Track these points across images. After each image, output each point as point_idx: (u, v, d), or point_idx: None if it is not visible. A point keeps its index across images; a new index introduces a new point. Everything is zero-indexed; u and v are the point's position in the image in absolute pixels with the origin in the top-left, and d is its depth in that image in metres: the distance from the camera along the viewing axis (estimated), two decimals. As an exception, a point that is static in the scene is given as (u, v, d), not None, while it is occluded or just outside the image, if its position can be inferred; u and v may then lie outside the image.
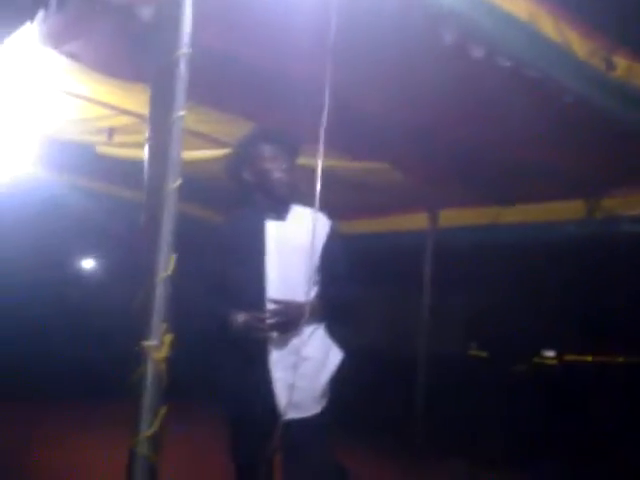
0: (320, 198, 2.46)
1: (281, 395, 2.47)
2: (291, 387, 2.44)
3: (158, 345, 1.77)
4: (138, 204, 1.95)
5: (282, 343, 2.51)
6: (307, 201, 2.55)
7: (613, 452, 5.31)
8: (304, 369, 2.48)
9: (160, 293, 1.79)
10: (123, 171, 4.54)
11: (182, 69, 1.86)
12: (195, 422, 5.40)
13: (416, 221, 5.88)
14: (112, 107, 3.87)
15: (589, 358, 8.60)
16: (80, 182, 5.62)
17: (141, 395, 1.75)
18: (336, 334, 2.71)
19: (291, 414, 2.45)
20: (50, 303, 6.97)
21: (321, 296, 2.63)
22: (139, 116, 3.75)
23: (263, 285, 2.54)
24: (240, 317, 2.51)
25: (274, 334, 2.51)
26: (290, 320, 2.50)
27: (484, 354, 9.23)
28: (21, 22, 2.39)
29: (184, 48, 1.85)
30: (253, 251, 2.58)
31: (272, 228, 2.61)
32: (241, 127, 4.02)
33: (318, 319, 2.61)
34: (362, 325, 5.94)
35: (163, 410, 1.77)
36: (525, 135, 3.43)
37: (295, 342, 2.51)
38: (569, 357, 8.90)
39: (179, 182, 1.83)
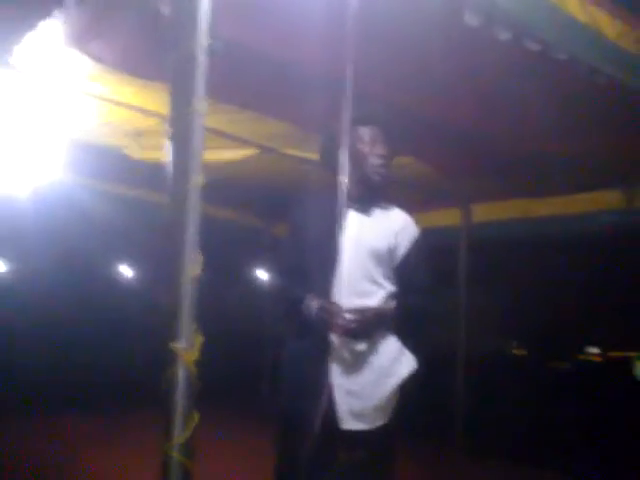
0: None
1: (341, 402, 2.31)
2: (351, 394, 2.31)
3: (188, 347, 1.72)
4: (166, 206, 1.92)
5: (347, 346, 2.34)
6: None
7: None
8: (367, 376, 2.35)
9: (187, 293, 1.74)
10: (151, 174, 4.54)
11: (201, 60, 1.82)
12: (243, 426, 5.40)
13: (448, 217, 5.78)
14: (138, 109, 3.87)
15: (633, 354, 8.41)
16: (108, 186, 5.63)
17: (172, 399, 1.71)
18: (408, 344, 2.53)
19: (352, 425, 2.31)
20: (79, 307, 7.04)
21: (397, 306, 2.45)
22: (165, 118, 3.74)
23: (331, 282, 2.34)
24: (315, 303, 2.32)
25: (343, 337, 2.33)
26: (364, 327, 2.32)
27: (525, 352, 9.08)
28: (37, 19, 2.37)
29: (203, 39, 1.82)
30: (328, 242, 2.37)
31: (354, 221, 2.41)
32: (266, 125, 4.01)
33: (389, 327, 2.44)
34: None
35: (196, 414, 1.72)
36: (557, 123, 3.34)
37: (361, 347, 2.35)
38: (613, 354, 8.71)
39: (202, 178, 1.80)
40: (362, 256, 2.37)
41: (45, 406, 5.79)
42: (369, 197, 2.47)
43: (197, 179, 1.80)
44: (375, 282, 2.40)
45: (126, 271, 9.37)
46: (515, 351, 9.27)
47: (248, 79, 3.10)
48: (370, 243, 2.39)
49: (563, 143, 3.64)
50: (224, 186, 4.69)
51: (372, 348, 2.37)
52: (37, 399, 5.70)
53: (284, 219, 2.69)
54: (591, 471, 4.86)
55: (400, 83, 3.02)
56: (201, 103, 1.82)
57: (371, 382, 2.36)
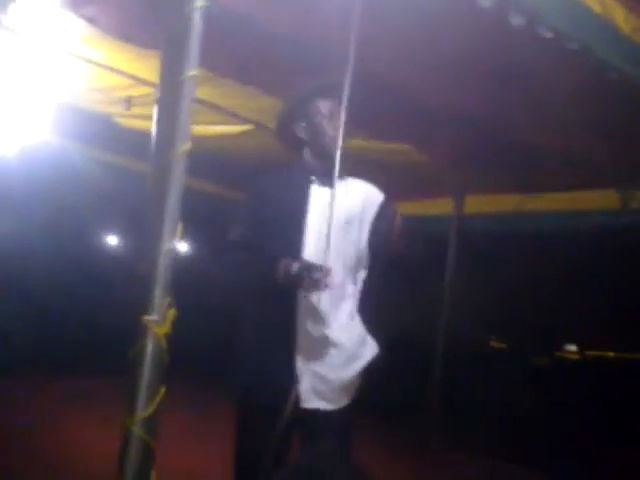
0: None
1: (304, 382, 2.29)
2: (316, 375, 2.29)
3: (160, 320, 1.65)
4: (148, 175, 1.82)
5: (312, 328, 2.30)
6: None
7: (633, 449, 5.20)
8: (332, 358, 2.31)
9: (163, 264, 1.67)
10: (140, 143, 4.44)
11: (197, 24, 1.73)
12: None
13: (440, 206, 5.71)
14: (131, 76, 3.76)
15: (611, 354, 8.47)
16: (95, 152, 5.52)
17: (139, 372, 1.64)
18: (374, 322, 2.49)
19: (316, 404, 2.30)
20: (59, 272, 6.93)
21: (368, 281, 2.42)
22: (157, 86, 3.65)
23: (298, 255, 2.29)
24: (295, 265, 2.20)
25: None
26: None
27: (504, 345, 9.11)
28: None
29: (199, 1, 1.73)
30: (292, 216, 2.34)
31: (317, 194, 2.36)
32: (262, 102, 3.91)
33: (355, 305, 2.42)
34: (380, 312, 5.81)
35: (162, 389, 1.65)
36: (560, 118, 3.26)
37: (327, 329, 2.31)
38: (591, 352, 8.77)
39: (188, 146, 1.71)
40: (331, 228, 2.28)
41: (19, 366, 5.67)
42: (329, 170, 2.35)
43: (183, 148, 1.72)
44: (345, 254, 2.36)
45: (107, 236, 9.27)
46: (494, 344, 9.29)
47: (242, 50, 3.00)
48: (338, 215, 2.31)
49: (565, 137, 3.57)
50: (212, 160, 4.62)
51: (338, 330, 2.33)
52: (11, 359, 5.60)
53: (245, 191, 2.55)
54: (562, 464, 4.87)
55: (406, 67, 2.92)
56: (194, 69, 1.73)
57: (336, 364, 2.32)
